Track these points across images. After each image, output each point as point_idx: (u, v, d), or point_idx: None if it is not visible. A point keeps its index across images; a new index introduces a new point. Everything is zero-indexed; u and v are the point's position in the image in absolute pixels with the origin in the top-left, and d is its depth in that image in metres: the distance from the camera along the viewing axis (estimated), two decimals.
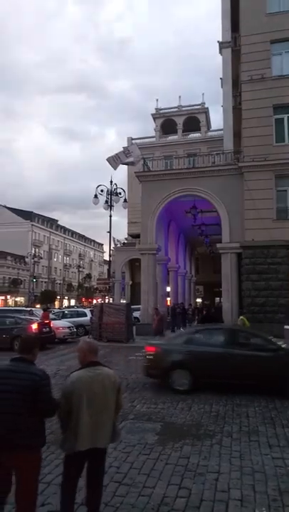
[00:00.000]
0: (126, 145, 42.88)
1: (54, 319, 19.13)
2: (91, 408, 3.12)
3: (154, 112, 44.81)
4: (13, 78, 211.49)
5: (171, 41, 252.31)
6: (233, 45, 23.16)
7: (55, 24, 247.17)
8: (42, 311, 18.84)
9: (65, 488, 3.24)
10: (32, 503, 3.01)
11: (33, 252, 72.35)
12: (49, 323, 16.73)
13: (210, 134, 42.11)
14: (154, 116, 44.67)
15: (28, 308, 23.84)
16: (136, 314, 22.37)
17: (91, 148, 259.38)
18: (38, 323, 15.79)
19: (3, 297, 66.48)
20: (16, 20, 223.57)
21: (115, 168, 20.30)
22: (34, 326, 15.39)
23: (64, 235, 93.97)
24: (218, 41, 24.19)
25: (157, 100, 44.94)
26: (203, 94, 44.02)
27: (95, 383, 3.16)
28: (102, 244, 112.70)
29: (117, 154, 20.44)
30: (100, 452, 3.25)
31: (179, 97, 44.30)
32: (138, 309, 22.83)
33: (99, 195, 20.67)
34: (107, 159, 20.10)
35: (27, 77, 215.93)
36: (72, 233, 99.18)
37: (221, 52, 24.11)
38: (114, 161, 20.11)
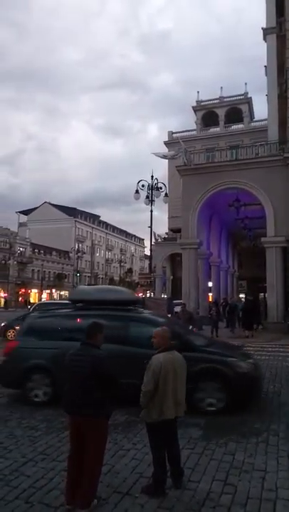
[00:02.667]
0: (167, 139, 42.73)
1: None
2: (174, 384, 3.81)
3: (194, 104, 44.17)
4: (58, 78, 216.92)
5: (213, 31, 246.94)
6: (278, 30, 22.27)
7: (97, 22, 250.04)
8: None
9: (156, 454, 3.89)
10: (98, 465, 3.59)
11: (77, 247, 74.28)
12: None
13: (253, 124, 40.88)
14: (195, 109, 44.04)
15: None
16: (177, 309, 22.30)
17: (133, 143, 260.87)
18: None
19: (48, 291, 68.92)
20: (59, 22, 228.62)
21: (164, 158, 20.40)
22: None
23: (106, 231, 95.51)
24: (262, 28, 23.36)
25: (198, 92, 44.32)
26: (246, 83, 42.96)
27: (176, 363, 3.88)
28: (143, 239, 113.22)
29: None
30: (176, 420, 3.99)
31: (221, 88, 43.44)
32: (179, 304, 22.74)
33: (140, 191, 20.75)
34: (154, 153, 20.18)
35: (70, 76, 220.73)
36: (114, 228, 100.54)
37: (265, 38, 23.26)
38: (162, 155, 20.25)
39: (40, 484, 4.03)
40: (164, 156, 20.66)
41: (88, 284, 72.85)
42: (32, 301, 59.12)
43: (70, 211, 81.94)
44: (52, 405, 6.87)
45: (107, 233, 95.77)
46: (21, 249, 66.40)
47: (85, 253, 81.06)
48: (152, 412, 3.79)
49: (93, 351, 3.61)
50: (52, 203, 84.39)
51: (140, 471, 4.35)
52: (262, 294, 38.22)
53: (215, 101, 43.49)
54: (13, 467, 4.41)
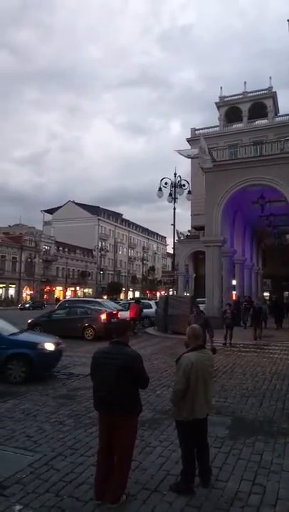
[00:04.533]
0: (190, 136, 42.42)
1: (121, 310, 19.67)
2: (204, 383, 3.83)
3: (217, 100, 43.63)
4: (80, 77, 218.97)
5: (235, 25, 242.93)
6: None
7: (120, 20, 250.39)
8: (132, 303, 20.21)
9: (185, 452, 3.90)
10: (128, 460, 3.67)
11: (100, 245, 74.92)
12: (116, 314, 17.25)
13: (278, 119, 40.00)
14: (218, 105, 43.49)
15: (100, 299, 24.81)
16: (201, 307, 22.15)
17: (155, 141, 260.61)
18: (107, 314, 16.35)
19: (73, 288, 69.90)
20: (82, 21, 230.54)
21: (189, 157, 20.32)
22: (103, 317, 15.98)
23: (128, 229, 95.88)
24: (287, 20, 22.81)
25: (221, 88, 43.71)
26: (270, 78, 41.89)
27: (206, 362, 3.90)
28: (165, 237, 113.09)
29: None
30: (206, 418, 3.98)
31: (244, 82, 42.64)
32: (203, 302, 22.60)
33: (163, 188, 20.74)
34: (177, 150, 20.13)
35: (93, 75, 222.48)
36: (136, 227, 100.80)
37: None
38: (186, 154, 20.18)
39: (69, 478, 4.11)
40: (189, 156, 20.50)
41: (112, 282, 73.33)
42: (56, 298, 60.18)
43: (94, 210, 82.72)
44: (79, 401, 7.01)
45: (129, 231, 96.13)
46: (46, 247, 67.58)
47: (108, 251, 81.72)
48: (183, 410, 3.80)
49: (125, 349, 3.65)
50: (76, 201, 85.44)
51: (167, 468, 4.37)
52: (287, 292, 37.56)
53: (238, 96, 42.77)
54: (43, 461, 4.52)
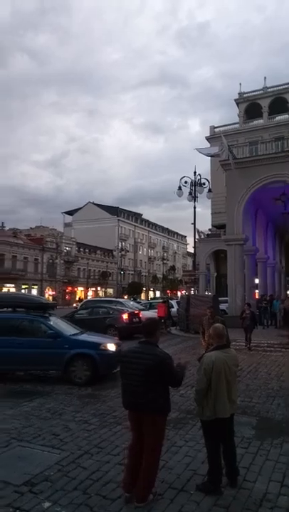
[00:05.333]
0: (209, 134, 42.09)
1: (142, 310, 19.72)
2: (227, 382, 3.78)
3: (236, 97, 43.10)
4: (98, 79, 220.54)
5: (253, 20, 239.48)
6: None
7: (137, 20, 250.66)
8: (160, 302, 20.54)
9: (210, 452, 3.89)
10: (155, 460, 3.67)
11: (120, 245, 75.29)
12: (138, 314, 17.29)
13: None
14: (237, 102, 42.95)
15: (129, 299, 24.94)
16: (222, 306, 21.99)
17: (174, 140, 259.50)
18: (129, 314, 16.42)
19: (94, 289, 70.53)
20: (100, 23, 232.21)
21: (209, 155, 20.19)
22: (125, 316, 16.05)
23: (148, 229, 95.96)
24: None
25: (240, 84, 43.15)
26: None
27: (229, 362, 3.84)
28: (185, 236, 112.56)
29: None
30: (231, 418, 3.93)
31: (264, 78, 41.97)
32: (225, 301, 22.39)
33: (183, 187, 20.64)
34: (197, 149, 20.03)
35: (110, 77, 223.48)
36: (156, 226, 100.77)
37: None
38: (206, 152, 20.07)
39: (96, 476, 4.14)
40: (208, 154, 20.35)
41: (132, 281, 73.64)
42: (78, 299, 60.83)
43: (113, 210, 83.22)
44: (103, 400, 7.06)
45: (149, 231, 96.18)
46: (67, 248, 68.42)
47: (128, 251, 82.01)
48: (206, 409, 3.78)
49: (154, 350, 3.64)
50: (95, 202, 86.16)
51: (194, 468, 4.35)
52: None
53: (258, 92, 42.12)
54: (70, 459, 4.58)
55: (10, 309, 9.37)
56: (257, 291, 26.42)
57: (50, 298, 60.52)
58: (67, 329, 9.14)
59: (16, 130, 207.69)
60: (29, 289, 59.62)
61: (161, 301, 23.33)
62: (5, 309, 9.49)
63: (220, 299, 20.55)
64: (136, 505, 3.53)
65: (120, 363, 3.83)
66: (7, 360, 8.33)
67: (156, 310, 19.13)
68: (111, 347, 8.69)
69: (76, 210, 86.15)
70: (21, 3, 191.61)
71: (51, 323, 8.85)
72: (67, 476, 4.14)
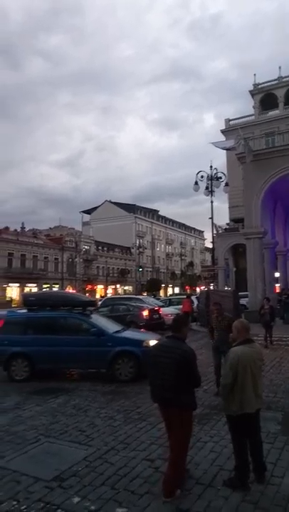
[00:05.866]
0: (224, 127, 41.58)
1: (162, 306, 19.74)
2: (253, 377, 3.76)
3: (251, 88, 42.38)
4: (112, 77, 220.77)
5: (266, 8, 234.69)
6: None
7: (148, 15, 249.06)
8: (185, 298, 20.99)
9: (237, 447, 3.88)
10: (182, 455, 3.74)
11: (138, 243, 75.43)
12: (158, 311, 17.32)
13: None
14: (252, 93, 42.21)
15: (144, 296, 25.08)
16: (243, 301, 21.77)
17: (189, 135, 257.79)
18: (149, 310, 16.46)
19: (113, 286, 70.97)
20: (112, 20, 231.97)
21: (224, 149, 19.96)
22: (145, 313, 16.09)
23: (165, 225, 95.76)
24: None
25: (255, 75, 42.32)
26: None
27: (254, 356, 3.84)
28: (203, 232, 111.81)
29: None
30: (257, 413, 3.89)
31: (279, 67, 41.06)
32: (245, 296, 22.16)
33: (199, 182, 20.49)
34: (212, 142, 19.86)
35: (124, 73, 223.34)
36: (173, 222, 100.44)
37: None
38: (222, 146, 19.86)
39: (123, 472, 4.20)
40: (224, 147, 20.10)
41: (151, 278, 73.71)
42: (98, 296, 61.29)
43: (130, 208, 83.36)
44: (127, 397, 7.12)
45: (166, 227, 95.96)
46: (86, 247, 69.01)
47: (146, 248, 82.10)
48: (232, 404, 3.78)
49: (181, 345, 3.71)
50: (112, 200, 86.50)
51: (220, 463, 4.35)
52: None
53: (273, 82, 41.25)
54: (97, 454, 4.65)
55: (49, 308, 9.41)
56: (277, 284, 26.04)
57: None
58: (110, 326, 9.18)
59: (33, 132, 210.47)
60: (50, 288, 60.42)
61: (184, 297, 23.57)
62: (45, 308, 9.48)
63: (240, 293, 20.35)
64: (163, 499, 3.56)
65: (149, 357, 3.91)
66: (53, 358, 8.46)
67: (182, 306, 19.61)
68: (153, 343, 8.41)
69: (94, 209, 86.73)
70: (34, 6, 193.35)
71: (94, 320, 8.90)
72: (94, 472, 4.21)
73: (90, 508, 3.52)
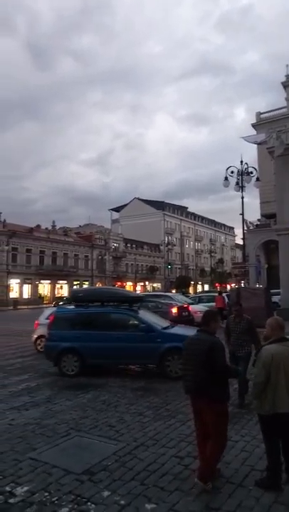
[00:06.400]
0: (255, 121, 40.64)
1: (191, 304, 19.59)
2: (287, 376, 3.65)
3: (284, 79, 41.12)
4: (142, 74, 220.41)
5: None
6: None
7: (177, 10, 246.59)
8: (217, 295, 21.38)
9: (269, 447, 3.81)
10: (219, 445, 3.78)
11: (166, 240, 75.32)
12: (187, 308, 17.21)
13: None
14: (285, 85, 40.92)
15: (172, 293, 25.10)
16: (275, 299, 21.26)
17: (219, 130, 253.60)
18: (178, 307, 16.38)
19: (142, 283, 71.28)
20: (141, 17, 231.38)
21: (256, 143, 19.56)
22: (174, 310, 16.02)
23: (194, 222, 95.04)
24: None
25: (287, 66, 41.05)
26: None
27: (288, 355, 3.71)
28: (233, 228, 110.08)
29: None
30: None
31: None
32: (277, 293, 21.64)
33: (229, 177, 20.14)
34: (243, 137, 19.48)
35: (153, 70, 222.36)
36: (202, 219, 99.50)
37: None
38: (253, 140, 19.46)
39: (153, 468, 4.20)
40: (255, 142, 19.65)
41: (180, 275, 73.42)
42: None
43: (159, 205, 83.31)
44: (156, 393, 7.12)
45: (195, 224, 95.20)
46: (115, 244, 69.64)
47: (174, 245, 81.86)
48: (264, 403, 3.69)
49: (210, 338, 3.80)
50: (141, 198, 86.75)
51: (251, 463, 4.26)
52: None
53: None
54: (127, 450, 4.68)
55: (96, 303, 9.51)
56: None
57: None
58: (158, 322, 9.16)
59: (64, 132, 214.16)
60: (81, 285, 61.46)
61: (216, 294, 23.59)
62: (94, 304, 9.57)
63: (272, 291, 19.88)
64: (196, 481, 3.71)
65: (182, 351, 4.01)
66: (103, 354, 8.50)
67: (215, 302, 20.08)
68: None
69: (122, 207, 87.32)
70: (65, 6, 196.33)
71: (142, 316, 8.88)
72: (124, 467, 4.24)
73: (120, 503, 3.54)
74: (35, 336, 12.42)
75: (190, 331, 9.10)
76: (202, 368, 3.64)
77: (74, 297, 10.16)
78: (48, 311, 12.85)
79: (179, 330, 9.04)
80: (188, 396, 4.02)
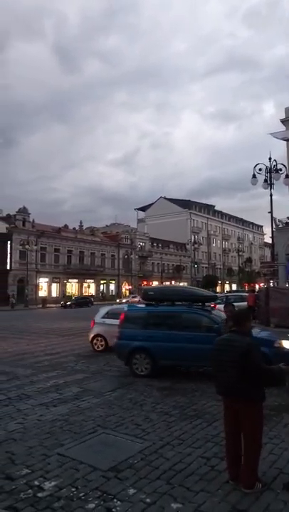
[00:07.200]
0: (284, 117, 39.64)
1: (218, 303, 19.36)
2: None
3: None
4: (167, 72, 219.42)
5: None
6: None
7: (203, 7, 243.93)
8: (249, 293, 21.64)
9: None
10: (256, 447, 3.71)
11: (193, 239, 74.82)
12: (214, 307, 17.00)
13: None
14: None
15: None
16: None
17: (247, 126, 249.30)
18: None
19: (168, 282, 71.08)
20: (166, 16, 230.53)
21: (285, 139, 19.15)
22: None
23: (221, 220, 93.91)
24: None
25: None
26: None
27: None
28: (262, 226, 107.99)
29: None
30: None
31: None
32: None
33: (257, 175, 19.76)
34: (271, 133, 19.05)
35: (179, 68, 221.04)
36: (230, 217, 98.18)
37: None
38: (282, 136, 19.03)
39: (179, 467, 4.18)
40: (284, 138, 19.17)
41: (207, 275, 72.74)
42: None
43: (185, 204, 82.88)
44: (183, 393, 7.09)
45: (222, 222, 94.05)
46: (141, 244, 69.87)
47: (201, 244, 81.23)
48: None
49: (244, 338, 3.73)
50: (167, 197, 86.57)
51: (280, 466, 4.17)
52: None
53: None
54: (153, 449, 4.68)
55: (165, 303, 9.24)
56: None
57: (127, 292, 62.45)
58: None
59: (91, 132, 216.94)
60: (107, 284, 62.12)
61: (249, 292, 23.63)
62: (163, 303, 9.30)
63: None
64: (243, 491, 3.63)
65: (212, 351, 3.96)
66: (175, 354, 8.24)
67: (246, 300, 20.11)
68: (287, 344, 7.89)
69: (148, 206, 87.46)
70: (91, 8, 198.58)
71: (216, 317, 8.45)
72: (150, 466, 4.24)
73: (146, 501, 3.55)
74: (92, 335, 12.29)
75: (271, 334, 8.64)
76: (236, 369, 3.58)
77: (145, 296, 9.80)
78: (104, 309, 12.79)
79: (258, 333, 8.31)
80: (221, 397, 3.97)
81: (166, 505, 3.47)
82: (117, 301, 51.63)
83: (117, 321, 11.55)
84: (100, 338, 11.99)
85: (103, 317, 12.31)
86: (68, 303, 44.99)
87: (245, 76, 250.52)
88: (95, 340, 12.13)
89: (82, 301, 46.43)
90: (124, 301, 48.58)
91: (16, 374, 8.97)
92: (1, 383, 8.10)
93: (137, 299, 49.31)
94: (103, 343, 11.86)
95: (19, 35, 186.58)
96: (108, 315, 12.24)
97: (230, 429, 3.87)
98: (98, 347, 11.97)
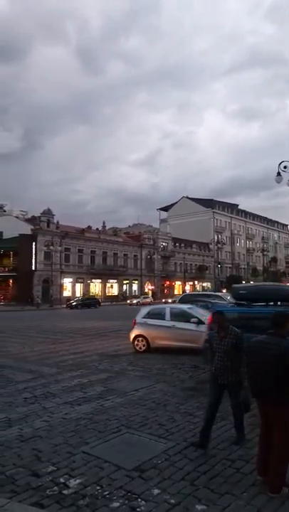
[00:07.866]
0: None
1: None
2: None
3: None
4: (189, 72, 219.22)
5: None
6: None
7: (225, 4, 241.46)
8: None
9: None
10: (285, 451, 3.60)
11: (216, 238, 74.10)
12: None
13: None
14: None
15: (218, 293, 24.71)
16: None
17: (271, 123, 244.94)
18: None
19: (191, 283, 70.73)
20: (188, 15, 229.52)
21: None
22: None
23: (245, 219, 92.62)
24: None
25: None
26: None
27: None
28: (287, 225, 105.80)
29: None
30: None
31: None
32: None
33: (282, 173, 19.36)
34: None
35: (201, 67, 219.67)
36: (254, 216, 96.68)
37: None
38: None
39: (203, 469, 4.15)
40: None
41: (230, 275, 71.89)
42: (176, 293, 61.60)
43: (208, 203, 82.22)
44: (207, 394, 7.03)
45: (246, 222, 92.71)
46: (164, 244, 69.78)
47: (224, 244, 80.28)
48: None
49: (281, 341, 3.65)
50: (189, 196, 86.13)
51: None
52: None
53: None
54: (177, 449, 4.67)
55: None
56: None
57: (150, 292, 62.53)
58: None
59: (113, 134, 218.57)
60: (130, 284, 62.39)
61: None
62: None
63: None
64: (269, 494, 3.57)
65: (246, 352, 3.91)
66: None
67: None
68: None
69: (171, 206, 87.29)
70: (113, 9, 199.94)
71: None
72: (174, 466, 4.23)
73: (170, 501, 3.54)
74: (133, 335, 12.08)
75: None
76: (271, 372, 3.53)
77: (236, 295, 9.11)
78: (145, 309, 12.65)
79: None
80: (255, 399, 3.94)
81: (191, 507, 3.45)
82: (128, 302, 51.21)
83: (157, 322, 11.61)
84: (141, 339, 11.88)
85: (144, 317, 12.14)
86: (74, 303, 43.65)
87: (269, 73, 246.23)
88: (136, 342, 11.97)
89: (89, 302, 45.20)
90: (134, 301, 48.42)
91: (41, 373, 9.15)
92: (28, 382, 8.28)
93: (148, 300, 48.56)
94: (145, 343, 11.78)
95: (42, 38, 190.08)
96: (149, 315, 12.12)
97: (263, 430, 3.86)
98: (140, 347, 11.84)
